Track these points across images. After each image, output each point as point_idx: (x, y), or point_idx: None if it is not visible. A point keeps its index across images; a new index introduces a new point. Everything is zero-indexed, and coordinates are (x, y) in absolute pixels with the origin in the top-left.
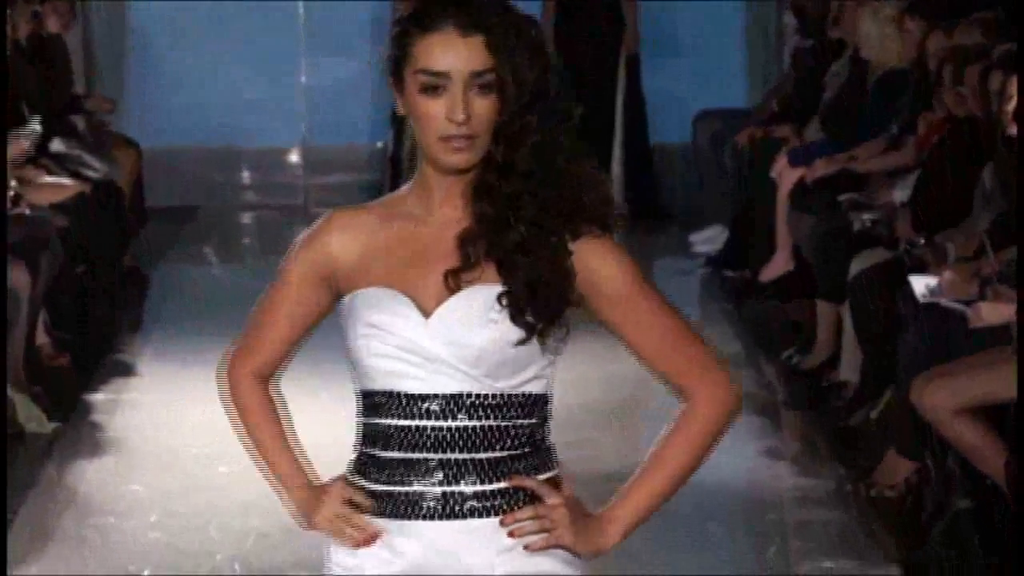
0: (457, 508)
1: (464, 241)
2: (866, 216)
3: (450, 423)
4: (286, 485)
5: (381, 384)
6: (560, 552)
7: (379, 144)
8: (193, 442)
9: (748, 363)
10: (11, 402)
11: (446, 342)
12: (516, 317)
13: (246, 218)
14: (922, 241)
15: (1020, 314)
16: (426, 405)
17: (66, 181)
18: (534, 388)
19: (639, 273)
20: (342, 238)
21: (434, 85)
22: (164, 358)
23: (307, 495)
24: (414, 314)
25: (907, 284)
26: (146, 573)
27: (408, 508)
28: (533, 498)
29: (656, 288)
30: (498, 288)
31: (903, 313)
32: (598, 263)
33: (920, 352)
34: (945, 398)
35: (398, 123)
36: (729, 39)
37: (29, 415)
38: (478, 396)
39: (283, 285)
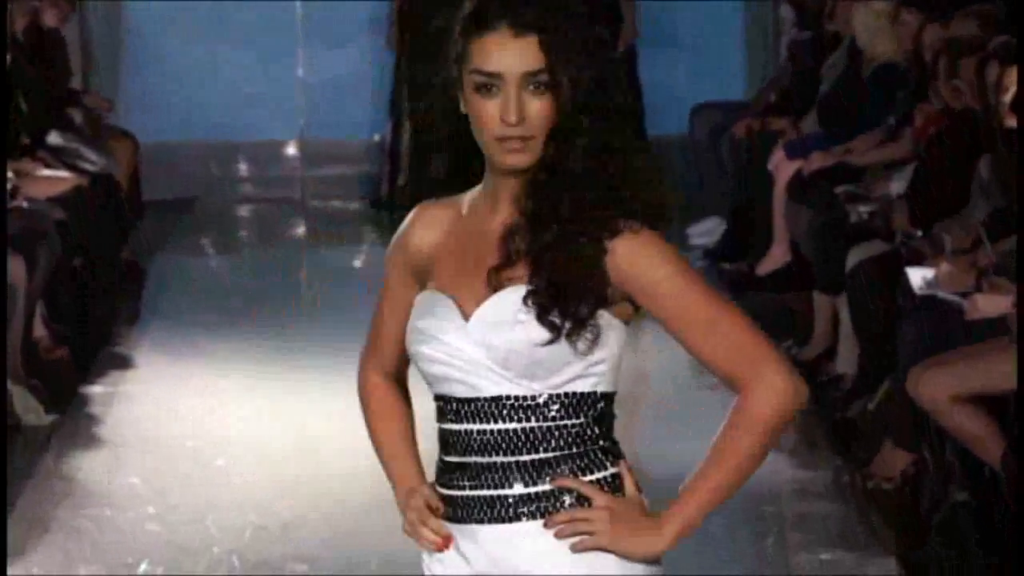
0: (506, 512)
1: (506, 238)
2: (863, 208)
3: (494, 426)
4: (395, 482)
5: (437, 389)
6: (612, 554)
7: (376, 138)
8: (191, 435)
9: None
10: (9, 394)
11: (482, 345)
12: (541, 317)
13: (243, 211)
14: (919, 233)
15: (1020, 307)
16: (472, 409)
17: (63, 174)
18: (580, 387)
19: (683, 267)
20: (423, 234)
21: (487, 85)
22: (161, 351)
23: (406, 497)
24: (456, 318)
25: (904, 276)
26: (143, 566)
27: (464, 512)
28: (584, 497)
29: (704, 281)
30: (527, 288)
31: (900, 305)
32: (635, 260)
33: (917, 344)
34: (943, 387)
35: (396, 117)
36: (727, 32)
37: (27, 407)
38: (518, 398)
39: (385, 287)
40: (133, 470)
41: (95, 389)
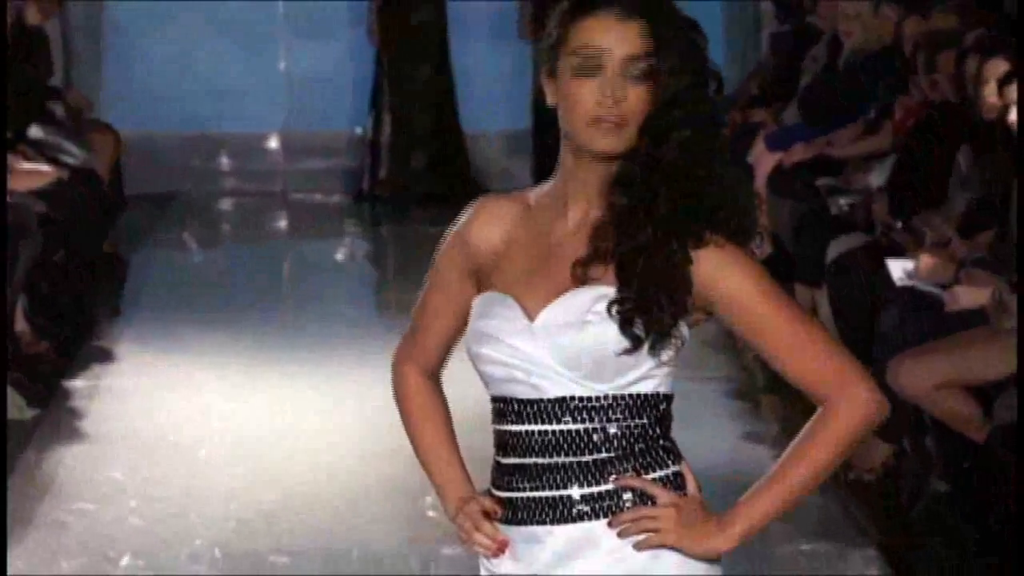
0: (567, 512)
1: (597, 234)
2: (843, 200)
3: (556, 427)
4: (442, 489)
5: (496, 390)
6: (675, 554)
7: (358, 130)
8: (173, 428)
9: (728, 348)
10: None
11: (548, 346)
12: (624, 327)
13: (225, 204)
14: (899, 225)
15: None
16: (534, 410)
17: (45, 167)
18: (644, 388)
19: (766, 282)
20: (486, 230)
21: (588, 66)
22: (143, 344)
23: (460, 504)
24: (520, 318)
25: (884, 268)
26: (125, 559)
27: (525, 514)
28: (646, 496)
29: (787, 296)
30: (600, 290)
31: (880, 296)
32: (720, 273)
33: (897, 335)
34: (925, 378)
35: (377, 110)
36: (708, 26)
37: (8, 402)
38: (582, 399)
39: (434, 280)
40: (115, 464)
41: (77, 383)
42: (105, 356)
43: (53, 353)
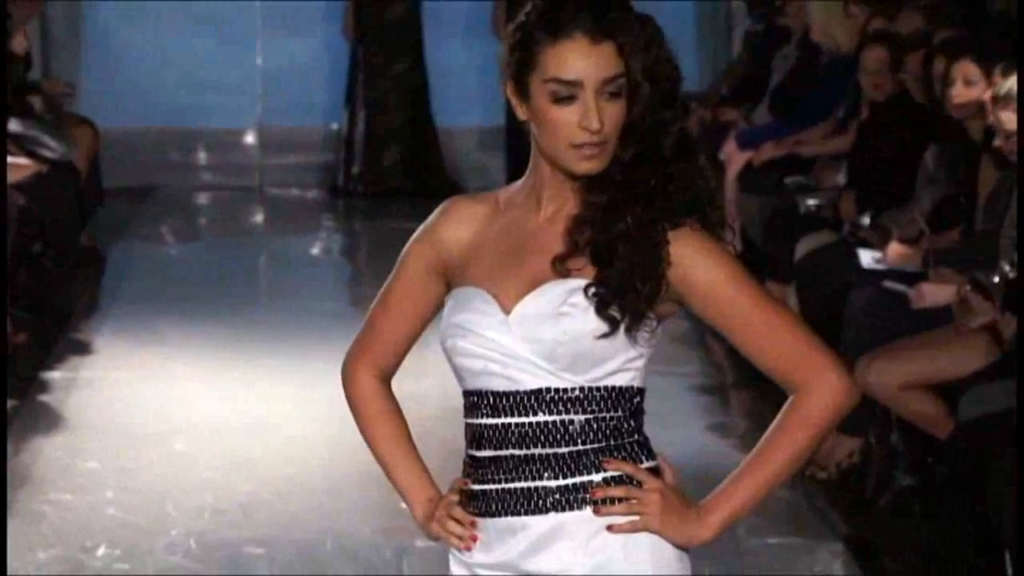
0: (542, 503)
1: (573, 229)
2: (812, 198)
3: (533, 419)
4: (408, 495)
5: (471, 384)
6: (647, 545)
7: (334, 126)
8: (149, 420)
9: (698, 344)
10: None
11: (524, 338)
12: (600, 310)
13: (202, 198)
14: (866, 222)
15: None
16: (510, 402)
17: (23, 161)
18: (619, 381)
19: (739, 268)
20: (455, 228)
21: (566, 95)
22: (121, 336)
23: (430, 503)
24: (496, 312)
25: (852, 264)
26: (102, 549)
27: (500, 505)
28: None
29: (759, 284)
30: (576, 282)
31: (850, 281)
32: (694, 256)
33: (864, 332)
34: (892, 376)
35: (351, 106)
36: (680, 25)
37: None
38: (558, 391)
39: (398, 279)
40: (92, 455)
41: (55, 375)
42: (83, 348)
43: (31, 344)
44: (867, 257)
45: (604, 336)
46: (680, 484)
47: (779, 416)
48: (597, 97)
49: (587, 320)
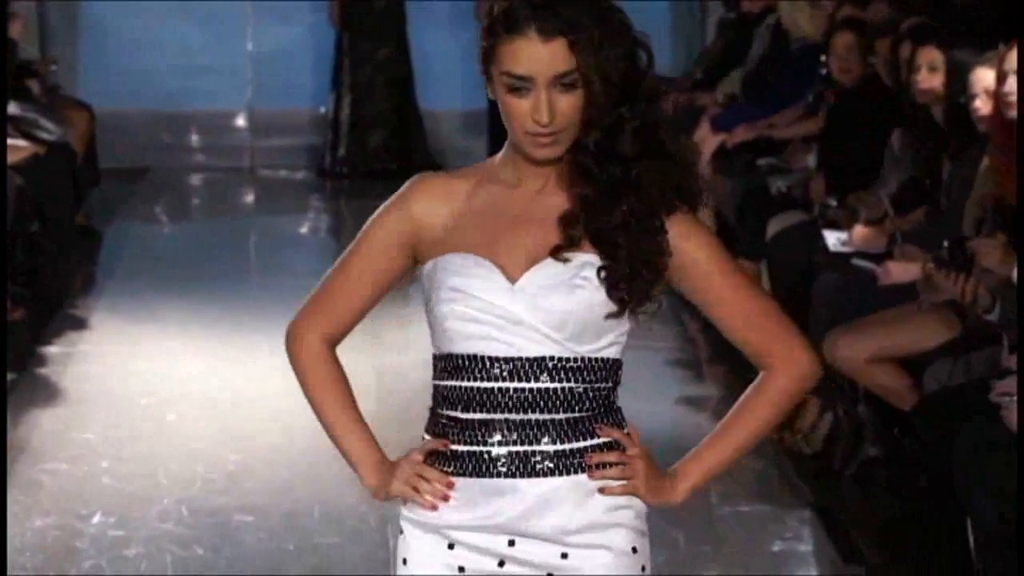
0: (537, 467)
1: (567, 222)
2: (782, 180)
3: (532, 385)
4: (358, 460)
5: (463, 347)
6: (629, 508)
7: (322, 109)
8: (142, 392)
9: (672, 319)
10: None
11: (532, 307)
12: (612, 292)
13: (195, 179)
14: (834, 203)
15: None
16: (509, 368)
17: (21, 143)
18: (611, 353)
19: (723, 250)
20: (430, 203)
21: (518, 87)
22: (115, 312)
23: (382, 467)
24: (500, 279)
25: (821, 239)
26: (97, 516)
27: (492, 466)
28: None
29: (740, 266)
30: (584, 256)
31: (816, 262)
32: (689, 241)
33: (832, 308)
34: (859, 351)
35: (337, 89)
36: (655, 12)
37: None
38: (560, 359)
39: (365, 249)
40: (88, 426)
41: (52, 349)
42: (79, 323)
43: (29, 320)
44: (833, 239)
45: (612, 315)
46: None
47: (750, 389)
48: (550, 90)
49: (598, 295)
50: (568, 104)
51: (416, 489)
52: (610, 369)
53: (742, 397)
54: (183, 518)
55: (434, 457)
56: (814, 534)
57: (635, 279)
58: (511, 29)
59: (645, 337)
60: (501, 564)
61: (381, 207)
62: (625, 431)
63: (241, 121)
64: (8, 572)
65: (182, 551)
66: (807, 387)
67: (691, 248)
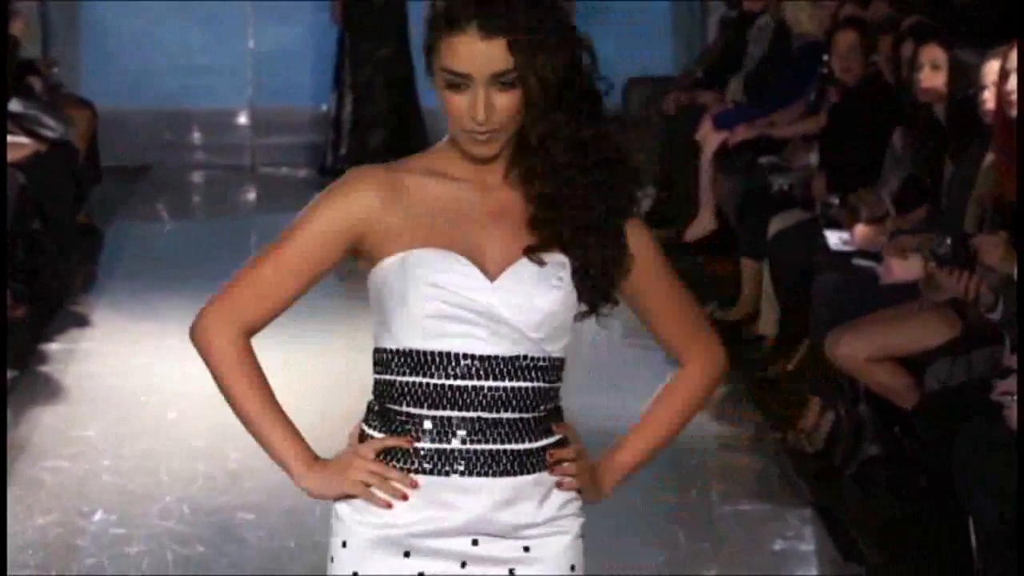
0: (509, 465)
1: (539, 223)
2: (784, 178)
3: (505, 384)
4: (289, 457)
5: (436, 345)
6: (573, 507)
7: (323, 107)
8: (144, 390)
9: None
10: None
11: (511, 305)
12: (583, 293)
13: (196, 177)
14: (836, 202)
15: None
16: (486, 366)
17: (23, 140)
18: (564, 352)
19: (664, 256)
20: (377, 196)
21: (456, 83)
22: (117, 310)
23: (317, 464)
24: (479, 276)
25: (822, 238)
26: (98, 514)
27: (464, 466)
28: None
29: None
30: (559, 257)
31: (816, 262)
32: (639, 243)
33: (834, 307)
34: (860, 350)
35: (339, 88)
36: (657, 10)
37: None
38: (532, 359)
39: (300, 240)
40: (89, 424)
41: (53, 347)
42: (80, 321)
43: (30, 317)
44: (834, 238)
45: (581, 315)
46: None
47: (673, 384)
48: (488, 88)
49: (571, 297)
50: (505, 103)
51: (378, 485)
52: (562, 368)
53: (662, 391)
54: (184, 516)
55: (390, 455)
56: (815, 533)
57: (605, 281)
58: (452, 25)
59: (645, 336)
60: (463, 565)
61: (317, 198)
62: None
63: (242, 119)
64: (9, 569)
65: (183, 549)
66: (719, 381)
67: (642, 248)
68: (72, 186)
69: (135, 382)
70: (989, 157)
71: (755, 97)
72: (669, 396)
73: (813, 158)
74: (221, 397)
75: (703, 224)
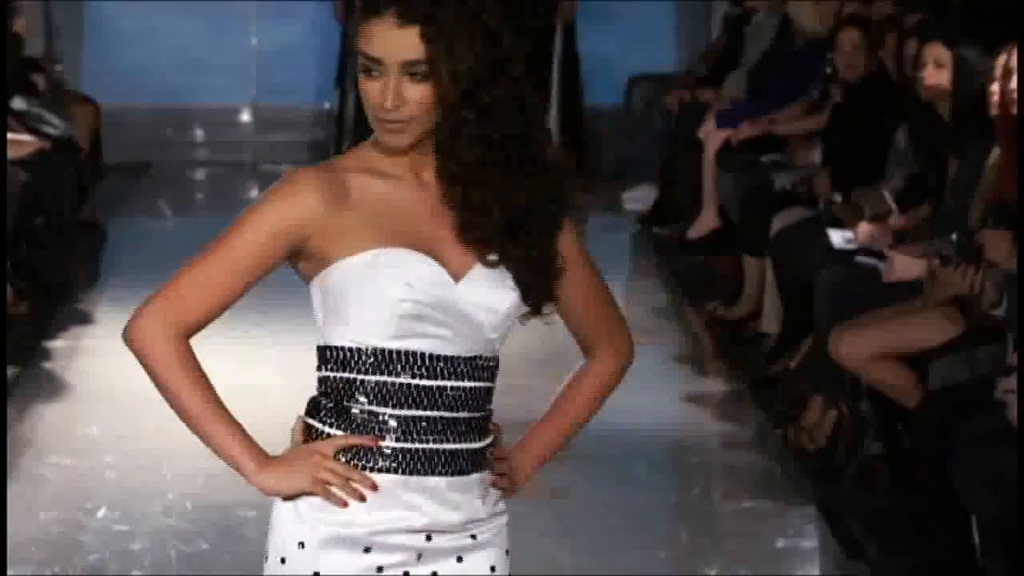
0: (465, 464)
1: (481, 227)
2: (785, 177)
3: (466, 384)
4: (239, 455)
5: (403, 344)
6: (503, 503)
7: (326, 105)
8: (146, 387)
9: (676, 315)
10: None
11: (477, 305)
12: (526, 295)
13: (198, 174)
14: (839, 199)
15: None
16: (448, 366)
17: (26, 138)
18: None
19: (587, 251)
20: (323, 197)
21: (370, 68)
22: (120, 307)
23: (269, 462)
24: (445, 277)
25: (825, 236)
26: (102, 511)
27: (425, 465)
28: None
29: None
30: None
31: (819, 262)
32: (569, 242)
33: (836, 305)
34: (863, 347)
35: (342, 85)
36: (661, 8)
37: None
38: (485, 359)
39: (243, 242)
40: (92, 420)
41: (56, 343)
42: (83, 318)
43: (33, 314)
44: (837, 236)
45: (527, 317)
46: None
47: (584, 374)
48: (399, 77)
49: (518, 299)
50: (416, 95)
51: (339, 485)
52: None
53: (573, 381)
54: (187, 513)
55: (349, 453)
56: (817, 531)
57: (543, 281)
58: (372, 10)
59: (648, 333)
60: (419, 557)
61: (259, 201)
62: None
63: (245, 117)
64: (12, 566)
65: (186, 546)
66: (626, 373)
67: (572, 250)
68: (75, 183)
69: (138, 379)
70: (994, 154)
71: (757, 95)
72: (581, 386)
73: (816, 156)
74: (223, 394)
75: (706, 222)
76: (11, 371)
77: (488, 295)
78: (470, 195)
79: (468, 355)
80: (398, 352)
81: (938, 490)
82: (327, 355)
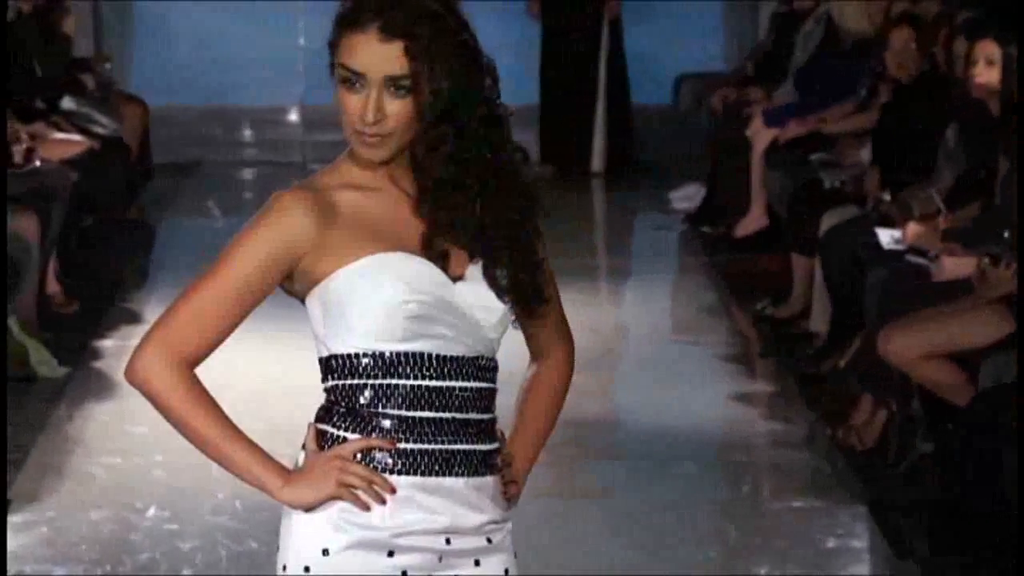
0: (479, 465)
1: (435, 245)
2: (834, 176)
3: (473, 384)
4: (261, 473)
5: (407, 346)
6: (508, 506)
7: None
8: None
9: (724, 313)
10: (24, 347)
11: (477, 306)
12: (517, 301)
13: (247, 173)
14: (888, 198)
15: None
16: (455, 367)
17: (76, 137)
18: None
19: (544, 251)
20: (313, 217)
21: (351, 81)
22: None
23: (291, 475)
24: (446, 280)
25: (874, 235)
26: (152, 510)
27: (442, 466)
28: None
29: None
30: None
31: (867, 261)
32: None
33: (886, 304)
34: (913, 347)
35: None
36: (708, 7)
37: (41, 360)
38: (487, 360)
39: (238, 270)
40: (141, 419)
41: (106, 343)
42: (132, 317)
43: (83, 314)
44: (886, 237)
45: (515, 320)
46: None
47: (539, 378)
48: (382, 91)
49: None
50: (397, 110)
51: (362, 487)
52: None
53: (530, 389)
54: (237, 512)
55: (365, 456)
56: (867, 530)
57: (536, 283)
58: (354, 23)
59: (695, 332)
60: (440, 559)
61: (249, 226)
62: None
63: (293, 116)
64: (62, 565)
65: (236, 545)
66: (574, 361)
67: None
68: (124, 182)
69: None
70: None
71: (806, 94)
72: (541, 392)
73: (865, 155)
74: (270, 392)
75: (754, 221)
76: (63, 371)
77: (485, 294)
78: (436, 213)
79: (471, 355)
80: (405, 354)
81: (989, 489)
82: (332, 364)
